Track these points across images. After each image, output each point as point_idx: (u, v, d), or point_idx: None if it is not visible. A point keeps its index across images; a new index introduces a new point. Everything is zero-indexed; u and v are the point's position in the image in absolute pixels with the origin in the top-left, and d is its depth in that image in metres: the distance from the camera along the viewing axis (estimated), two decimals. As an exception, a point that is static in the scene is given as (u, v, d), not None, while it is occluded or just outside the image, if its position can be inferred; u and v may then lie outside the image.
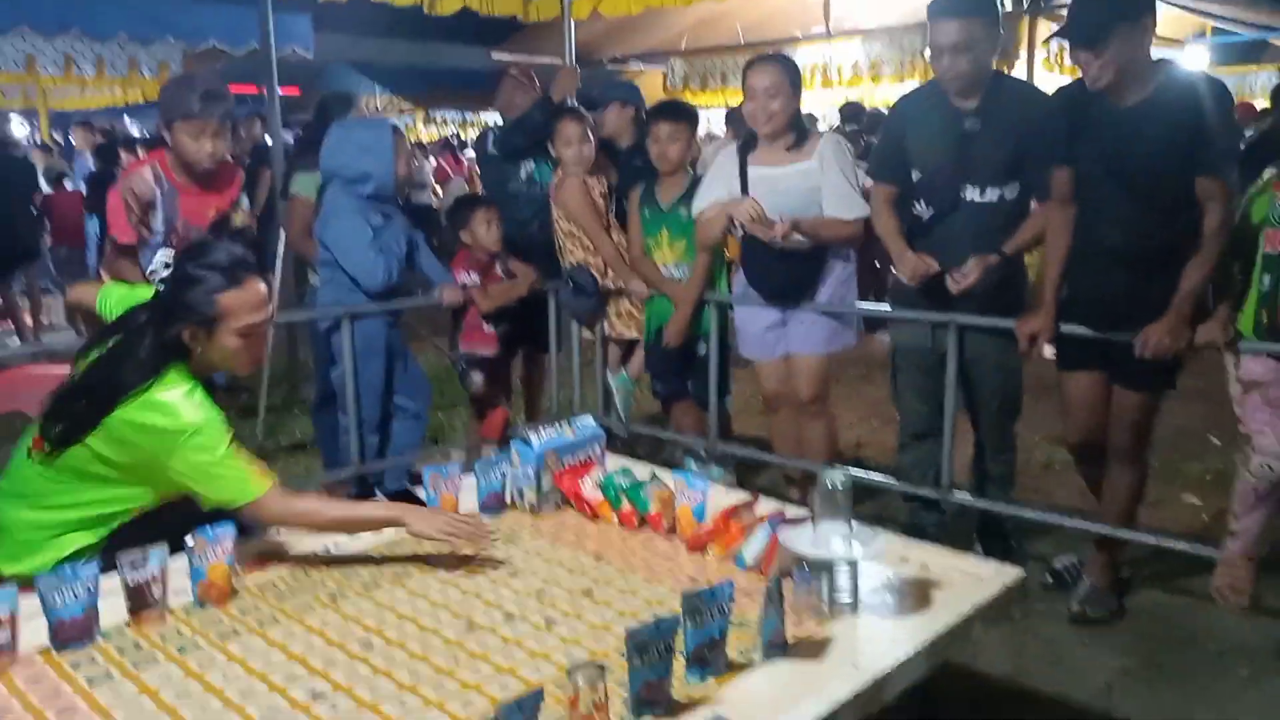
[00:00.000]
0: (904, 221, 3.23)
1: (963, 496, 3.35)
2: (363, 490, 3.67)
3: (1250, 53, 13.07)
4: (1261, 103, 10.01)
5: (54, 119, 13.96)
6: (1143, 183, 2.72)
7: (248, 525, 2.17)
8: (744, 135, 3.56)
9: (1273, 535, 2.75)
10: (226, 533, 1.97)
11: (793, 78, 3.39)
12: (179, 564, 1.95)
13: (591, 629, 1.84)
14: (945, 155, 3.07)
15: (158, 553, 1.87)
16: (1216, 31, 10.21)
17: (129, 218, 3.22)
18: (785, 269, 3.41)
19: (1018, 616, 3.00)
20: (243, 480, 2.09)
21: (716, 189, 3.54)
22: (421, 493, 2.38)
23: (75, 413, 2.09)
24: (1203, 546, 2.97)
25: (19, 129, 13.61)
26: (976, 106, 3.03)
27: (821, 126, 8.85)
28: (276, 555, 2.19)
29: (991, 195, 3.05)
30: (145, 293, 2.31)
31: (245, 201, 3.53)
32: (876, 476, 3.63)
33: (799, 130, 3.41)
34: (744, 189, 3.44)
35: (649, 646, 1.51)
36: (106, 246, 3.34)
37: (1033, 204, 3.08)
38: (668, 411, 4.15)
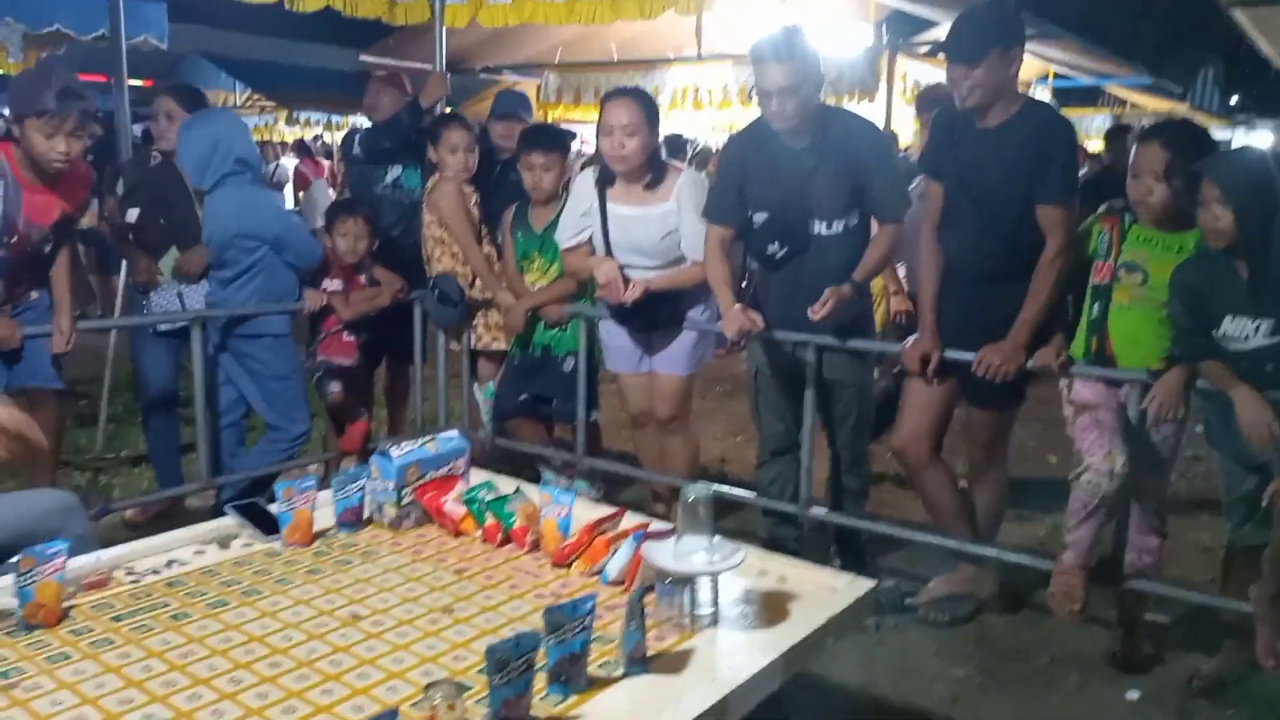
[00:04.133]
0: (759, 260, 3.29)
1: (819, 511, 3.46)
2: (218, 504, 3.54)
3: (1087, 97, 14.06)
4: (1095, 144, 10.75)
5: None
6: (991, 202, 2.90)
7: (82, 543, 2.04)
8: (599, 168, 3.50)
9: (1102, 549, 2.93)
10: (58, 550, 1.85)
11: (650, 113, 3.34)
12: (3, 583, 1.82)
13: (452, 647, 1.80)
14: (791, 194, 3.11)
15: (-22, 572, 1.74)
16: (1058, 76, 10.93)
17: None
18: (647, 307, 3.41)
19: (871, 628, 3.11)
20: None
21: (577, 221, 3.53)
22: (275, 507, 2.29)
23: None
24: (1040, 559, 3.15)
25: None
26: (809, 144, 3.08)
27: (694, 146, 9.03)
28: (114, 574, 2.07)
29: (838, 227, 3.14)
30: None
31: (94, 203, 3.34)
32: (738, 491, 3.70)
33: (655, 168, 3.40)
34: (604, 226, 3.44)
35: (509, 663, 1.49)
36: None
37: (873, 226, 3.21)
38: (508, 430, 4.06)
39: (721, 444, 5.14)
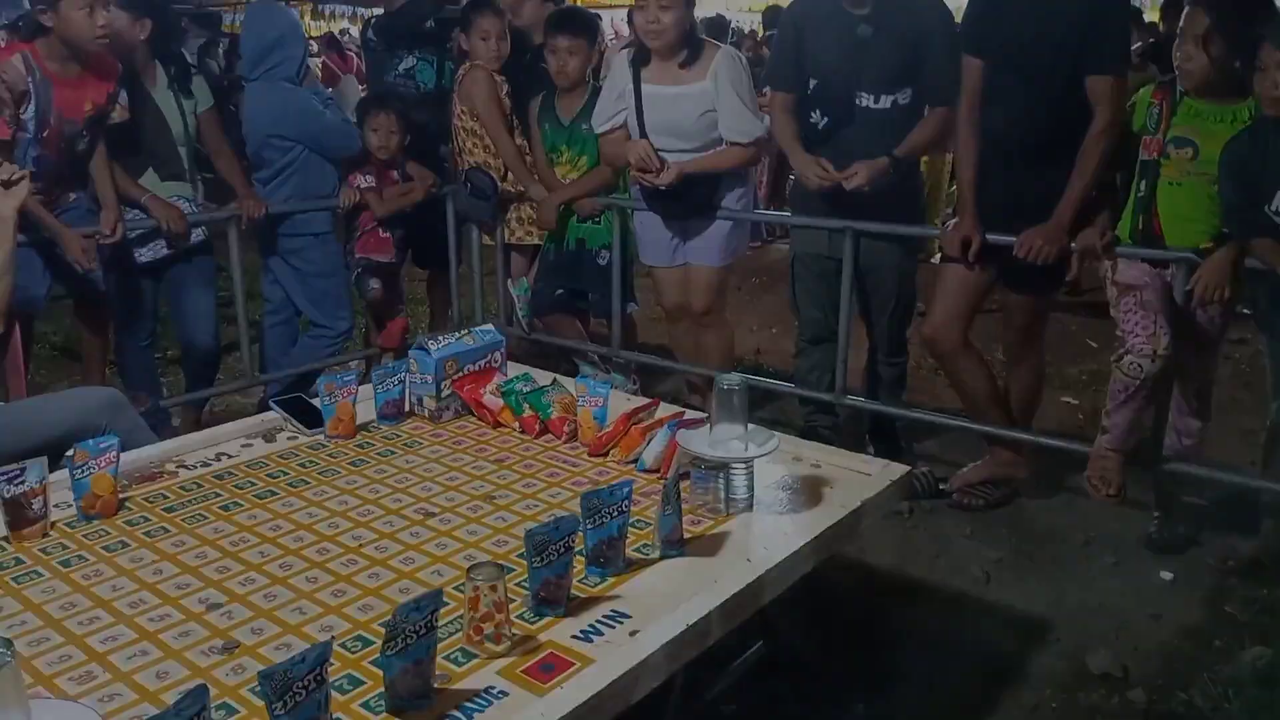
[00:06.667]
0: (801, 130, 3.23)
1: (855, 400, 3.46)
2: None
3: (1142, -35, 13.32)
4: (1149, 16, 10.23)
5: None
6: (1037, 74, 2.78)
7: (131, 436, 2.10)
8: (634, 47, 3.40)
9: (1141, 432, 2.91)
10: (110, 444, 1.90)
11: None
12: (60, 477, 1.89)
13: (493, 532, 1.85)
14: (839, 63, 3.05)
15: (36, 466, 1.80)
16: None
17: (1, 110, 3.00)
18: (681, 191, 3.35)
19: (905, 512, 3.14)
20: None
21: (613, 104, 3.44)
22: (316, 401, 2.34)
23: None
24: (1078, 444, 3.14)
25: None
26: (869, 12, 3.00)
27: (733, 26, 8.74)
28: (165, 468, 2.14)
29: (885, 102, 3.06)
30: None
31: (124, 95, 3.31)
32: (774, 381, 3.70)
33: (692, 46, 3.28)
34: (638, 107, 3.36)
35: (548, 546, 1.53)
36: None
37: (925, 109, 3.11)
38: (544, 325, 4.06)
39: (757, 336, 5.13)
